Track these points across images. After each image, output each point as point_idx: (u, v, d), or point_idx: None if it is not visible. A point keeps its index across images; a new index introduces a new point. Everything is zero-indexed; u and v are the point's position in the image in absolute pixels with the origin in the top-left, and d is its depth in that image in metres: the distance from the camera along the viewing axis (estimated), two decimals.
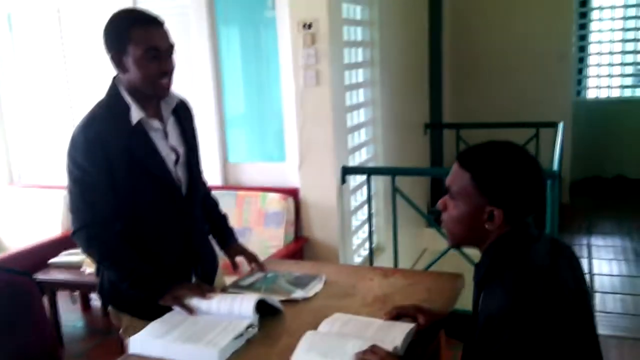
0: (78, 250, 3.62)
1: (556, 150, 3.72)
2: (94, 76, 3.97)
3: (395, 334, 1.55)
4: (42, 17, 4.06)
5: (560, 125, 4.48)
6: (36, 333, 2.00)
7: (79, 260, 3.50)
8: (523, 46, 6.29)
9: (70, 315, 3.93)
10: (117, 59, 1.77)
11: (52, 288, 3.48)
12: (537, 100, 6.25)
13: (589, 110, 6.94)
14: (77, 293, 4.11)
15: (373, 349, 1.43)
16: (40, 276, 3.41)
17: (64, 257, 3.58)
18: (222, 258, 2.20)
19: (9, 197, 4.12)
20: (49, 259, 3.58)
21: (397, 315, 1.70)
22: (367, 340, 1.51)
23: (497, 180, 1.32)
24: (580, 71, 7.03)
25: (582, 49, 6.93)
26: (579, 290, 1.36)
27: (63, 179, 4.01)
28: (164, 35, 1.78)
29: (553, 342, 1.21)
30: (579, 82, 7.07)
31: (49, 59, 4.12)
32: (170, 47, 1.79)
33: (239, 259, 2.18)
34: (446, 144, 6.04)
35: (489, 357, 1.24)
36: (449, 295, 1.94)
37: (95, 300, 4.12)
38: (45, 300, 3.14)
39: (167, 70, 1.79)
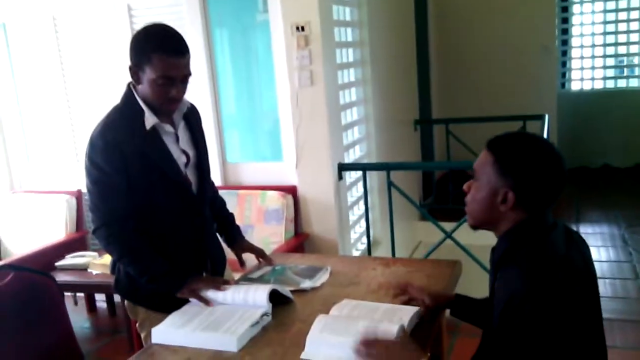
0: (83, 253, 3.72)
1: None
2: (92, 82, 4.06)
3: (401, 315, 1.67)
4: (37, 26, 4.13)
5: (546, 117, 4.61)
6: (57, 330, 2.09)
7: (84, 263, 3.59)
8: (507, 41, 6.45)
9: (76, 317, 4.01)
10: (134, 71, 1.85)
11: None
12: (523, 93, 6.40)
13: (574, 102, 7.11)
14: (79, 295, 4.20)
15: (375, 341, 1.48)
16: None
17: (70, 259, 3.67)
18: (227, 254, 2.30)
19: (12, 204, 4.19)
20: (54, 262, 3.67)
21: (404, 295, 1.80)
22: (375, 321, 1.62)
23: (516, 165, 1.40)
24: (564, 64, 7.20)
25: (565, 42, 7.10)
26: (590, 277, 1.45)
27: (65, 184, 4.15)
28: (183, 65, 1.84)
29: (566, 325, 1.29)
30: (563, 74, 7.23)
31: (46, 67, 4.19)
32: (185, 77, 1.86)
33: (245, 256, 2.28)
34: (436, 139, 6.19)
35: (506, 338, 1.32)
36: (449, 281, 2.05)
37: (101, 301, 4.21)
38: None
39: (175, 98, 1.87)
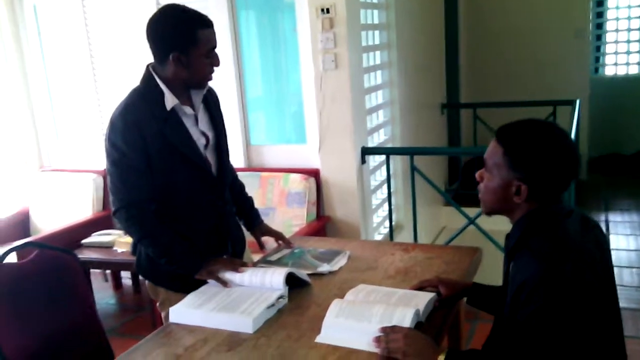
0: (109, 231, 3.78)
1: (573, 128, 3.78)
2: (119, 62, 4.10)
3: (417, 301, 1.67)
4: (66, 7, 4.18)
5: (577, 103, 4.51)
6: (79, 308, 2.13)
7: (110, 241, 3.66)
8: (539, 24, 6.30)
9: (102, 293, 4.12)
10: (178, 58, 1.84)
11: (85, 267, 3.64)
12: (554, 78, 6.26)
13: (607, 88, 6.94)
14: (108, 272, 4.29)
15: (394, 328, 1.50)
16: None
17: (96, 237, 3.74)
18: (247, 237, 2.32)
19: (41, 182, 4.28)
20: (81, 240, 3.74)
21: (421, 287, 1.80)
22: (391, 306, 1.62)
23: (526, 158, 1.38)
24: (597, 48, 7.02)
25: (599, 26, 6.91)
26: (605, 265, 1.42)
27: (92, 163, 4.22)
28: (215, 34, 1.91)
29: (579, 311, 1.27)
30: (597, 59, 7.06)
31: (74, 47, 4.24)
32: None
33: (265, 239, 2.30)
34: (463, 123, 6.11)
35: (520, 324, 1.31)
36: (468, 268, 2.03)
37: (126, 278, 4.29)
38: None
39: (218, 65, 1.93)
